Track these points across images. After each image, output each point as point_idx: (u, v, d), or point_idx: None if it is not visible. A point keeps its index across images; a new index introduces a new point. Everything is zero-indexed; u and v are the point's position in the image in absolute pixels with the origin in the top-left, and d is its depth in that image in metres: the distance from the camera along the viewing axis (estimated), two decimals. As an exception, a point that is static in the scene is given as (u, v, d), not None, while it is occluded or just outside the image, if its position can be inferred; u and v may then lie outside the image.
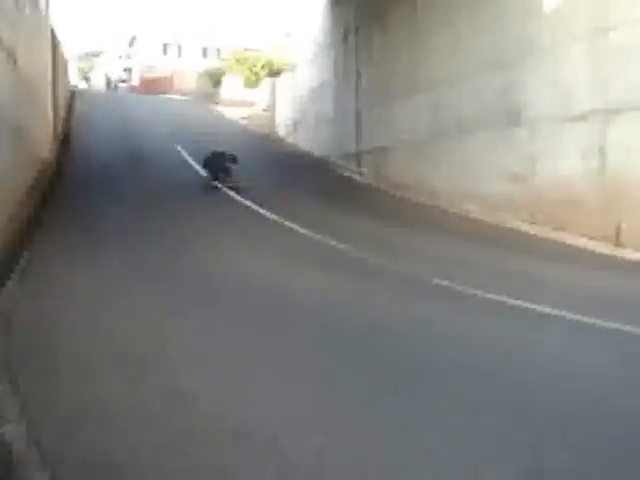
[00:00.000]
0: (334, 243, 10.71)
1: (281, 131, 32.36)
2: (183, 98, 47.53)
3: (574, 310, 6.71)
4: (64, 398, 4.37)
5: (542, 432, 3.78)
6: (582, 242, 11.74)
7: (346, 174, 21.85)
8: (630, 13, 11.21)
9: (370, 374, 4.83)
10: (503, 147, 14.31)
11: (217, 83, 46.86)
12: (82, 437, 3.78)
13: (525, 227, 13.15)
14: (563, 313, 6.65)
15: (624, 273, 9.86)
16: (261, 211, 13.87)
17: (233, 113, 38.15)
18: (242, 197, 15.42)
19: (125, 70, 73.63)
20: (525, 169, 13.54)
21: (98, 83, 71.34)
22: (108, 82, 68.77)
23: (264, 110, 37.19)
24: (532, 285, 8.40)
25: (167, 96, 48.94)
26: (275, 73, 39.46)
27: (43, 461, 3.49)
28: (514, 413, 4.11)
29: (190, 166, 20.08)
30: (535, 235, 12.67)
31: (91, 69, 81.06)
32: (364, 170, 21.36)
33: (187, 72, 55.71)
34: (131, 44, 74.90)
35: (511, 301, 7.13)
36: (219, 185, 16.85)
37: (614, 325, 6.18)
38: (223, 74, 46.54)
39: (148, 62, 67.64)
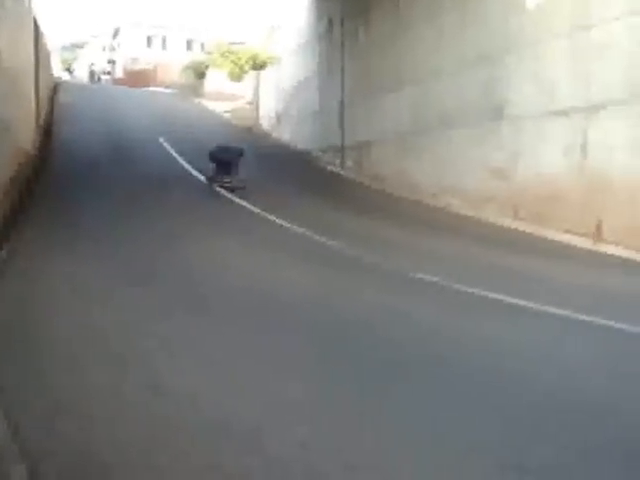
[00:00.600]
0: (317, 237, 10.73)
1: (265, 124, 32.30)
2: (167, 91, 47.29)
3: (553, 303, 6.77)
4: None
5: (519, 423, 3.83)
6: (564, 237, 11.83)
7: (330, 168, 21.87)
8: (610, 11, 11.30)
9: (353, 367, 4.87)
10: (486, 142, 14.37)
11: (201, 76, 46.64)
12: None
13: (507, 222, 13.23)
14: (544, 307, 6.70)
15: (604, 268, 9.95)
16: (244, 204, 13.87)
17: (217, 106, 38.01)
18: (226, 190, 15.39)
19: (109, 62, 73.17)
20: (508, 164, 13.61)
21: (81, 75, 70.86)
22: (92, 74, 68.27)
23: (248, 103, 37.09)
24: (513, 279, 8.46)
25: (151, 89, 48.69)
26: (259, 66, 39.32)
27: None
28: (492, 406, 4.15)
29: (174, 159, 20.04)
30: (517, 230, 12.75)
31: (74, 61, 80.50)
32: (348, 164, 21.38)
33: (171, 65, 55.45)
34: (115, 36, 74.42)
35: (493, 295, 7.18)
36: (228, 181, 16.39)
37: (592, 318, 6.25)
38: (207, 67, 46.33)
39: (132, 54, 67.27)
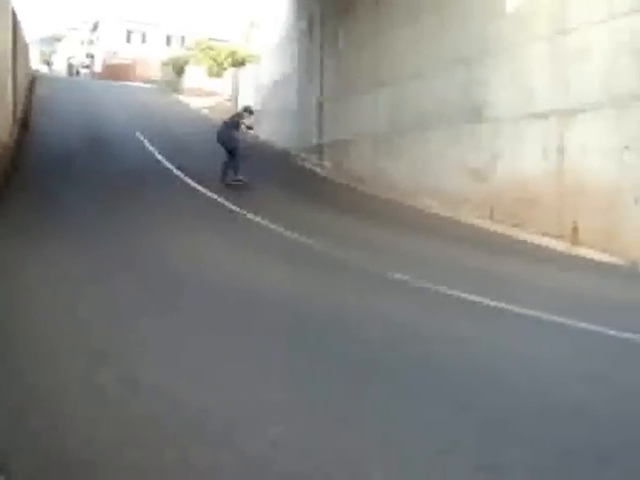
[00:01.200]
0: (293, 235, 10.72)
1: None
2: (146, 86, 47.05)
3: (525, 305, 6.79)
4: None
5: (494, 424, 3.84)
6: (540, 240, 11.90)
7: (308, 167, 21.85)
8: (589, 15, 11.37)
9: (329, 367, 4.85)
10: (464, 144, 14.42)
11: (180, 72, 46.45)
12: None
13: (485, 223, 13.28)
14: (522, 309, 6.72)
15: (580, 271, 10.01)
16: (221, 200, 13.81)
17: (196, 103, 37.88)
18: (203, 187, 15.29)
19: (88, 56, 72.65)
20: (486, 166, 13.67)
21: (60, 68, 70.30)
22: (70, 67, 67.81)
23: (227, 100, 37.00)
24: (490, 281, 8.48)
25: (130, 84, 48.42)
26: (239, 63, 39.24)
27: None
28: (468, 407, 4.16)
29: (150, 152, 19.96)
30: (494, 232, 12.80)
31: (53, 54, 79.82)
32: (326, 163, 21.37)
33: (150, 60, 55.20)
34: (94, 30, 73.87)
35: (470, 297, 7.20)
36: (241, 178, 16.29)
37: (568, 321, 6.28)
38: (186, 63, 46.16)
39: (111, 49, 66.84)
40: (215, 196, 14.27)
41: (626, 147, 10.60)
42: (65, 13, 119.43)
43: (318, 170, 21.29)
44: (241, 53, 40.27)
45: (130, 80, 51.46)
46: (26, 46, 31.07)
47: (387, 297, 7.27)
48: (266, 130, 28.09)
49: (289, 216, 12.81)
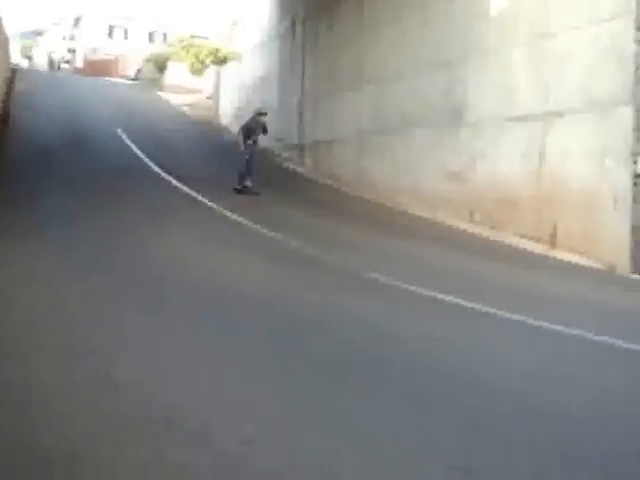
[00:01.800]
0: (271, 234, 10.68)
1: (224, 120, 32.09)
2: (128, 82, 46.81)
3: (506, 308, 6.81)
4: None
5: (466, 425, 3.84)
6: (519, 242, 11.96)
7: (289, 166, 21.81)
8: (570, 20, 11.45)
9: (304, 367, 4.84)
10: (445, 145, 14.46)
11: (162, 68, 46.22)
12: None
13: (463, 225, 13.33)
14: (499, 311, 6.74)
15: (557, 274, 10.07)
16: (199, 197, 13.74)
17: (177, 100, 37.70)
18: (182, 183, 15.18)
19: (69, 51, 72.09)
20: (465, 168, 13.71)
21: (41, 63, 69.73)
22: (51, 62, 67.19)
23: (208, 98, 36.86)
24: (467, 282, 8.51)
25: (111, 80, 48.11)
26: (221, 61, 39.08)
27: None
28: (442, 407, 4.16)
29: (131, 149, 19.87)
30: (473, 233, 12.85)
31: (34, 48, 79.17)
32: (307, 162, 21.35)
33: (133, 56, 54.85)
34: (76, 25, 73.32)
35: (446, 297, 7.21)
36: (248, 185, 15.57)
37: (541, 323, 6.31)
38: (168, 60, 45.93)
39: (93, 44, 66.37)
40: (194, 193, 14.18)
41: (605, 151, 10.67)
42: (47, 7, 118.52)
43: (299, 169, 21.25)
44: (223, 51, 40.13)
45: (112, 76, 51.13)
46: (6, 40, 30.79)
47: (364, 297, 7.26)
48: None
49: (268, 215, 12.77)
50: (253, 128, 16.11)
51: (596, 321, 6.71)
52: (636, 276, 10.11)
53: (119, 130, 23.07)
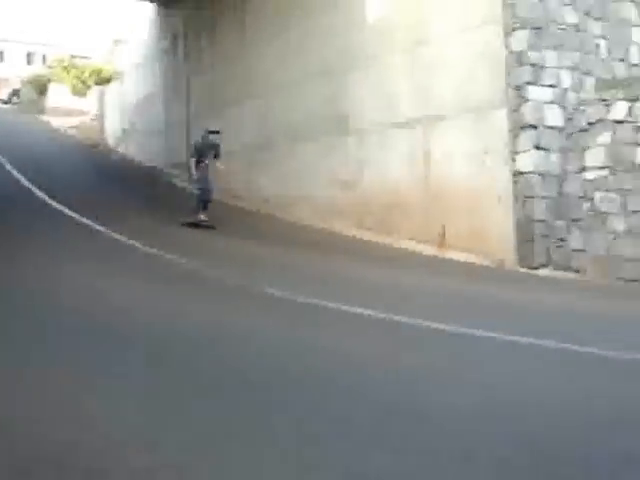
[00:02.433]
0: (164, 254, 10.41)
1: (111, 141, 31.48)
2: (5, 107, 45.25)
3: (387, 310, 6.81)
4: None
5: (359, 433, 3.84)
6: (409, 245, 12.18)
7: (178, 184, 21.51)
8: (445, 28, 11.82)
9: (191, 387, 4.74)
10: (333, 154, 14.60)
11: (43, 91, 44.95)
12: None
13: (355, 232, 13.46)
14: (382, 314, 6.73)
15: (447, 273, 10.30)
16: (84, 220, 13.30)
17: (60, 123, 36.70)
18: (64, 206, 14.64)
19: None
20: (354, 176, 13.89)
21: None
22: None
23: (93, 119, 36.08)
24: (356, 289, 8.53)
25: (-13, 104, 46.42)
26: (104, 81, 38.37)
27: None
28: (334, 417, 4.15)
29: (11, 174, 19.21)
30: (365, 240, 12.99)
31: None
32: (197, 179, 21.09)
33: (10, 79, 53.10)
34: (-53, 48, 70.42)
35: (330, 304, 7.15)
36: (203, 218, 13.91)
37: (438, 325, 6.37)
38: (49, 81, 44.72)
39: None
40: (77, 215, 13.69)
41: (485, 152, 11.04)
42: None
43: (188, 186, 20.99)
44: (106, 71, 39.41)
45: (-12, 100, 49.33)
46: None
47: (260, 314, 7.12)
48: (134, 148, 27.51)
49: (157, 234, 12.46)
50: (203, 150, 14.45)
51: (489, 319, 6.86)
52: (524, 270, 10.48)
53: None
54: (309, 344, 5.73)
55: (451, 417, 4.03)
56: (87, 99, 40.30)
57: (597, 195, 10.52)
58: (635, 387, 4.70)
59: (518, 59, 10.90)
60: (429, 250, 11.81)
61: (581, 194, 10.67)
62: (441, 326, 6.29)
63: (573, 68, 11.27)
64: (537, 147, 10.73)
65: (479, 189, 11.13)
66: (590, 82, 11.33)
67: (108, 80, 37.62)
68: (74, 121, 37.04)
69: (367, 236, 13.11)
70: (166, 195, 19.60)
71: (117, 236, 11.69)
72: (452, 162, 11.61)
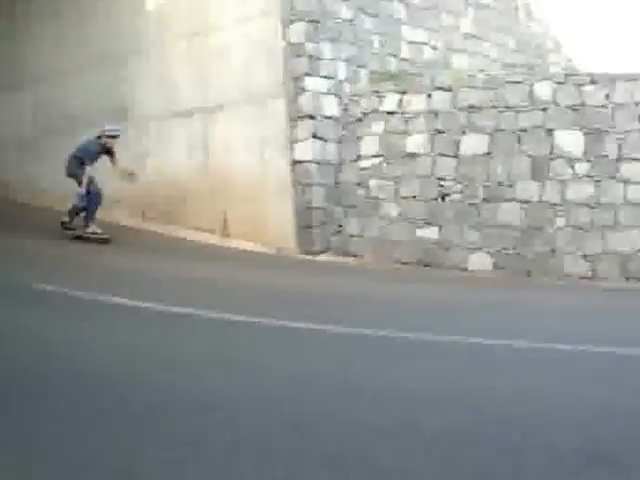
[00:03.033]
0: None
1: None
2: None
3: (160, 301, 6.69)
4: None
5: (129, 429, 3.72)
6: (193, 235, 12.11)
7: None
8: (224, 17, 11.85)
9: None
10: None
11: None
12: None
13: (138, 223, 13.17)
14: (158, 306, 6.59)
15: (230, 262, 10.35)
16: None
17: None
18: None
19: None
20: (135, 166, 13.51)
21: None
22: None
23: None
24: (128, 280, 8.33)
25: None
26: None
27: None
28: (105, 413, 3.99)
29: None
30: (146, 230, 12.75)
31: None
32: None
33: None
34: None
35: (115, 299, 6.91)
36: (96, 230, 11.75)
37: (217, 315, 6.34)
38: None
39: None
40: None
41: (265, 141, 11.20)
42: None
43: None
44: None
45: None
46: None
47: (33, 309, 6.69)
48: None
49: None
50: (94, 152, 12.13)
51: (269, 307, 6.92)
52: (302, 256, 10.74)
53: None
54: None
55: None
56: None
57: (372, 182, 11.00)
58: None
59: (296, 51, 11.14)
60: (213, 239, 11.81)
61: (357, 181, 11.12)
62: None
63: (348, 60, 11.68)
64: (315, 136, 11.03)
65: (259, 178, 11.28)
66: (364, 74, 11.81)
67: None
68: None
69: (150, 227, 12.88)
70: None
71: None
72: (232, 151, 11.67)
